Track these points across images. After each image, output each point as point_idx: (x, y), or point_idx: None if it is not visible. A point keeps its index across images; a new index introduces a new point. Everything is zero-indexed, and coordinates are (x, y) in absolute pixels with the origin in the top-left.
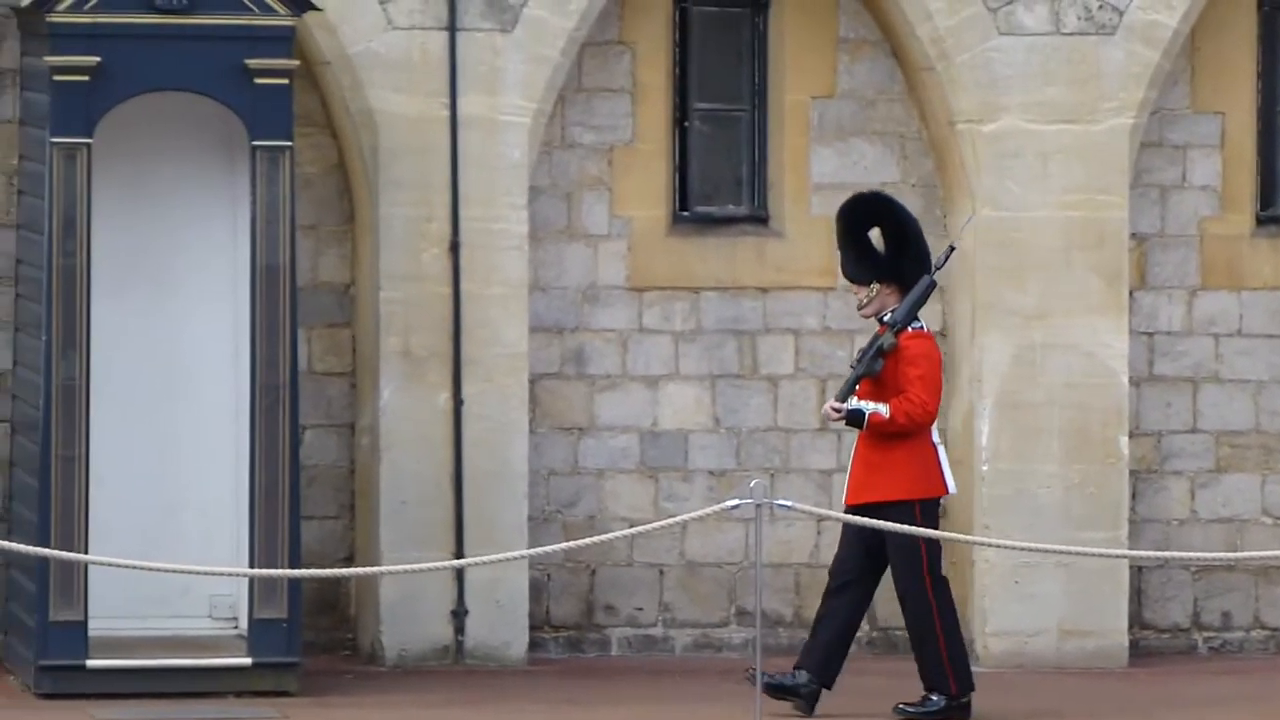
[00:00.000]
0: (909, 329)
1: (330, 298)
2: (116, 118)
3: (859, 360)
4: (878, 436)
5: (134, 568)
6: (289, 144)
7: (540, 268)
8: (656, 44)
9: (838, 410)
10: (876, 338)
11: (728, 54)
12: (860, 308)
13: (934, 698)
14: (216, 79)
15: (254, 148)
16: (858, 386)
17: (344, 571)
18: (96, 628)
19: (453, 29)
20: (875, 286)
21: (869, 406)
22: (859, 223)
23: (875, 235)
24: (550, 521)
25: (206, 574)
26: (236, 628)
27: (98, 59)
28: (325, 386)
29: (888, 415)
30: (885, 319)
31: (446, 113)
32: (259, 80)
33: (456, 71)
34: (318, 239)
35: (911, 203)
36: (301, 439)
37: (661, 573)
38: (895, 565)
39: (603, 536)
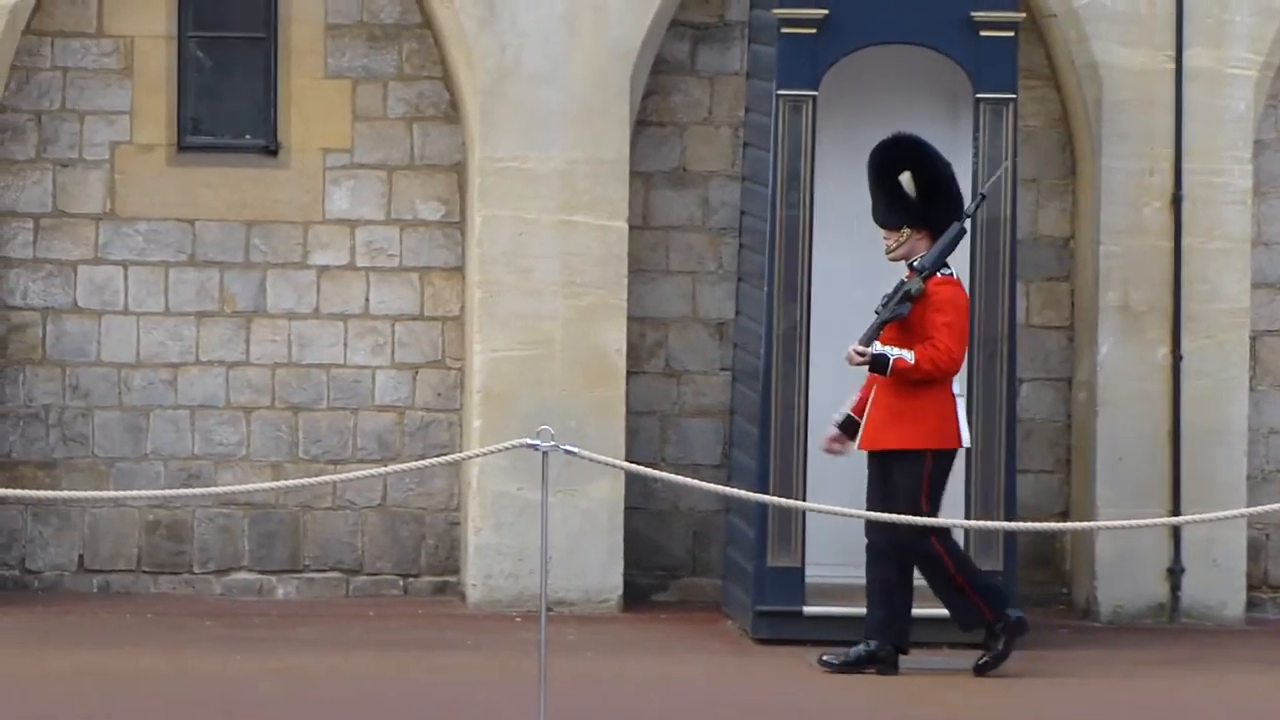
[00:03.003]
0: (938, 275)
1: (1049, 251)
2: (838, 70)
3: (884, 304)
4: (900, 383)
5: (851, 515)
6: (1013, 97)
7: (1263, 223)
8: None
9: (861, 354)
10: (903, 283)
11: None
12: (889, 252)
13: (996, 644)
14: (941, 32)
15: (978, 100)
16: (883, 331)
17: (1059, 526)
18: (813, 574)
19: None
20: (906, 231)
21: (894, 352)
22: (891, 166)
23: (907, 179)
24: (1270, 481)
25: (920, 523)
26: None
27: (825, 11)
28: (1043, 340)
29: (913, 361)
30: (914, 264)
31: (1171, 65)
32: (984, 33)
33: (1183, 24)
34: (1038, 192)
35: None
36: (1018, 392)
37: None
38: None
39: None
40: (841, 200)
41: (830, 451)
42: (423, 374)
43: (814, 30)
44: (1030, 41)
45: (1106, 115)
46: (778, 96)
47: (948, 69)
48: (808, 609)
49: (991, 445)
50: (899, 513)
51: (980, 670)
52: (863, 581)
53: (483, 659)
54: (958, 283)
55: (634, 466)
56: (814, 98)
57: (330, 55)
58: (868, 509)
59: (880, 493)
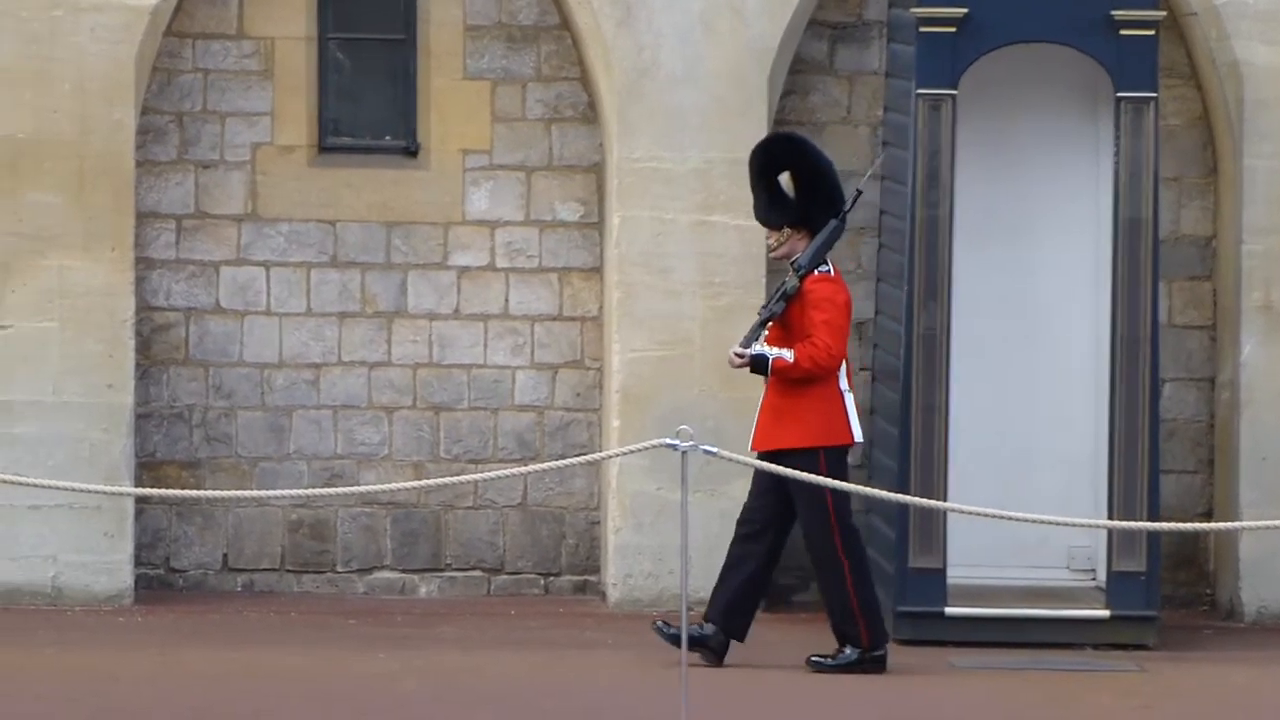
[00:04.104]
0: (815, 272)
1: (1191, 250)
2: (976, 69)
3: (765, 305)
4: (785, 383)
5: (991, 516)
6: (1154, 95)
7: None
8: None
9: (741, 355)
10: (784, 282)
11: None
12: (770, 251)
13: (846, 650)
14: (1081, 30)
15: (1118, 99)
16: (765, 332)
17: (1203, 526)
18: (955, 575)
19: None
20: (786, 230)
21: (773, 352)
22: (770, 165)
23: (786, 179)
24: None
25: (1064, 525)
26: (1094, 580)
27: (965, 10)
28: (1185, 340)
29: (792, 360)
30: (793, 263)
31: None
32: (1124, 31)
33: None
34: (1180, 191)
35: None
36: (1161, 392)
37: None
38: (802, 515)
39: None
40: (982, 200)
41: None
42: (562, 374)
43: (953, 29)
44: (1170, 40)
45: (1248, 114)
46: (917, 95)
47: (1088, 68)
48: (949, 610)
49: (1134, 446)
50: (807, 512)
51: (811, 661)
52: (1007, 583)
53: (623, 659)
54: (836, 279)
55: (773, 466)
56: (953, 97)
57: (469, 56)
58: (752, 492)
59: (768, 484)
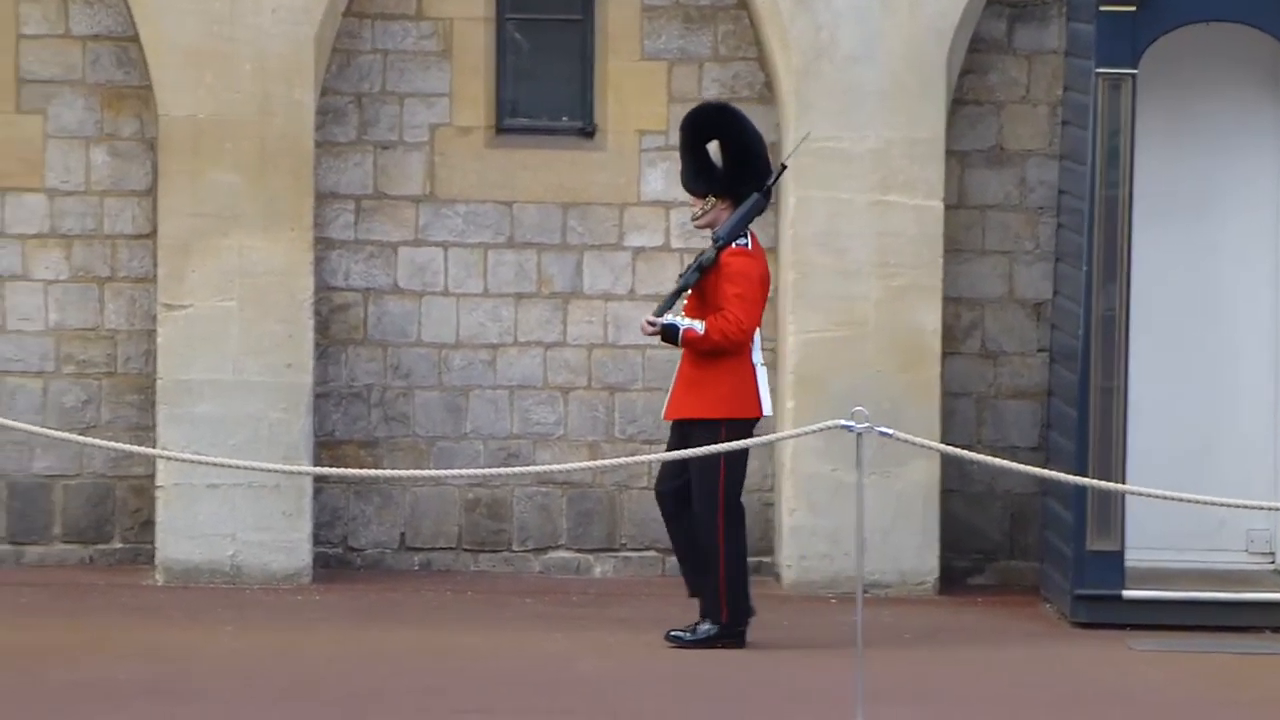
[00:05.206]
0: (733, 245)
1: None
2: (1156, 48)
3: (681, 275)
4: (698, 354)
5: (1169, 499)
6: None
7: None
8: None
9: (653, 325)
10: (702, 252)
11: None
12: (695, 219)
13: (705, 625)
14: (1264, 9)
15: None
16: (681, 302)
17: None
18: (1133, 558)
19: None
20: (711, 199)
21: (684, 323)
22: (699, 134)
23: (714, 148)
24: None
25: (1242, 507)
26: (1273, 563)
27: None
28: None
29: (702, 332)
30: (714, 234)
31: None
32: None
33: None
34: None
35: None
36: None
37: None
38: (694, 484)
39: None
40: (1162, 179)
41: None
42: None
43: (1134, 8)
44: None
45: None
46: (1096, 75)
47: (1269, 47)
48: (1127, 593)
49: None
50: (699, 481)
51: (671, 636)
52: (1184, 566)
53: (798, 640)
54: (753, 253)
55: (950, 448)
56: (1133, 76)
57: (646, 37)
58: (661, 469)
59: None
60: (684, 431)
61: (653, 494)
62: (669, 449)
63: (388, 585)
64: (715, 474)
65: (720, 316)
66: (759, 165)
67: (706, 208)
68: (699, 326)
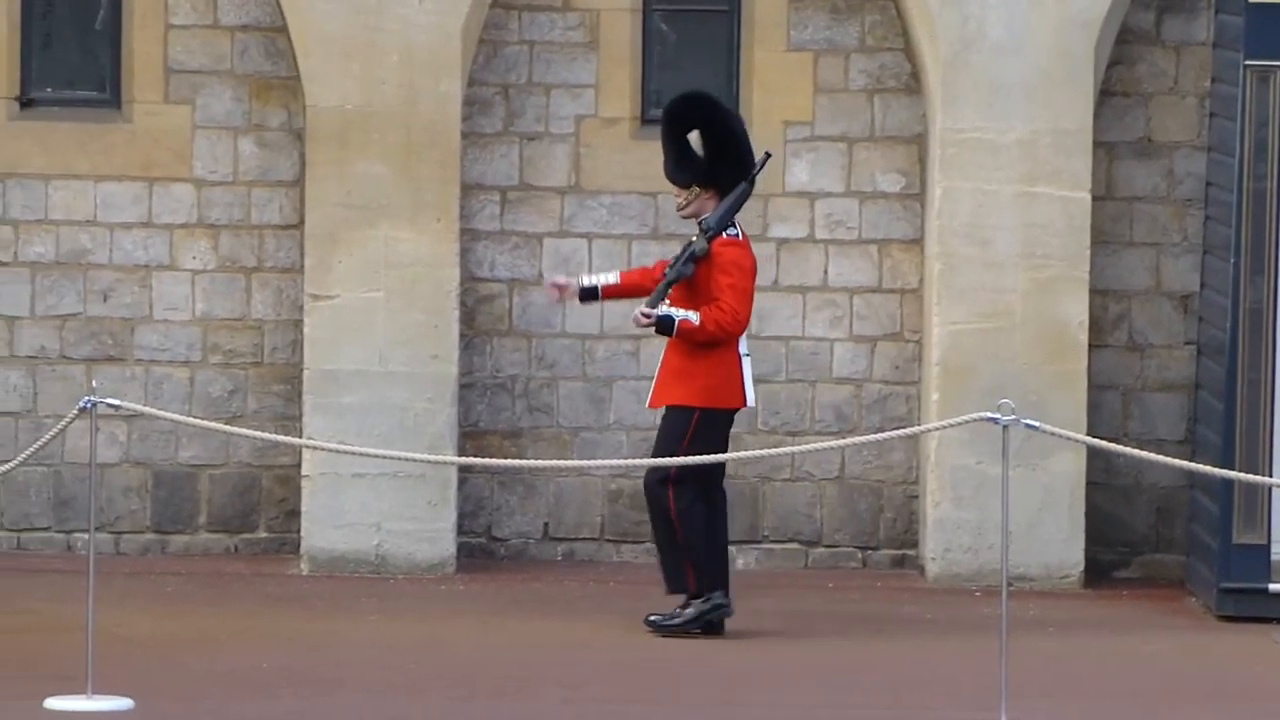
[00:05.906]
0: (723, 235)
1: None
2: None
3: (672, 265)
4: (687, 344)
5: None
6: None
7: None
8: None
9: (648, 315)
10: (691, 242)
11: None
12: (679, 209)
13: (689, 609)
14: None
15: None
16: (671, 292)
17: None
18: (1279, 552)
19: None
20: (695, 189)
21: (679, 314)
22: (680, 123)
23: (695, 138)
24: None
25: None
26: None
27: None
28: None
29: (698, 323)
30: (701, 224)
31: None
32: None
33: None
34: None
35: None
36: None
37: None
38: (653, 453)
39: None
40: None
41: (550, 292)
42: (880, 346)
43: None
44: None
45: None
46: (1245, 67)
47: None
48: (1273, 586)
49: None
50: (655, 451)
51: (650, 622)
52: None
53: (942, 633)
54: (743, 243)
55: (1097, 441)
56: None
57: (793, 28)
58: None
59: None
60: (664, 419)
61: (795, 486)
62: (656, 438)
63: (531, 575)
64: (674, 448)
65: (715, 307)
66: (741, 153)
67: (690, 197)
68: (694, 317)
